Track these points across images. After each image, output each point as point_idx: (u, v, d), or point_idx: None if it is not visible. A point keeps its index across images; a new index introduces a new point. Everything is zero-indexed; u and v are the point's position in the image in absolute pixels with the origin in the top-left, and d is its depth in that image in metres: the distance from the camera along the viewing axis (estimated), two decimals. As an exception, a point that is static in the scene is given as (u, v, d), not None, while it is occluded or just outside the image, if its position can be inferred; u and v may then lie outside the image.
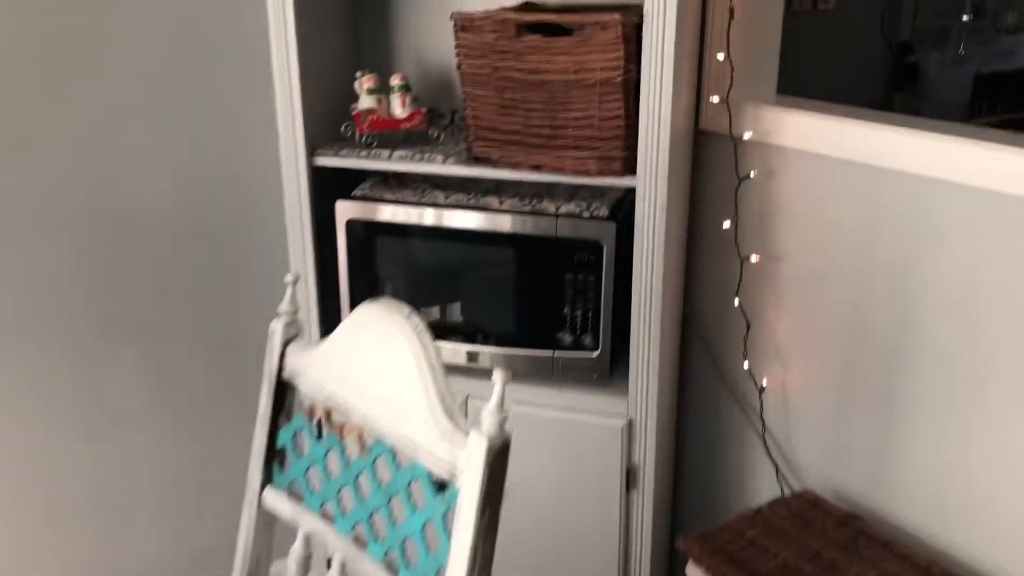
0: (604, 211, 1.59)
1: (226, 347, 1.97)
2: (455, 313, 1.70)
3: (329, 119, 1.73)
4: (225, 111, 1.85)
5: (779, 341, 1.70)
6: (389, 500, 0.99)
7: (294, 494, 1.14)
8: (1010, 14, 2.92)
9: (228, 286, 1.94)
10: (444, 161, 1.64)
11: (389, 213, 1.67)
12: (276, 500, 1.15)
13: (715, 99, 1.64)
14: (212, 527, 2.02)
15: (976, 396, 1.41)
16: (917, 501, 1.52)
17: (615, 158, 1.52)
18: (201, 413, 1.97)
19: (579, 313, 1.63)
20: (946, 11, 2.89)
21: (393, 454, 0.98)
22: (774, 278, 1.68)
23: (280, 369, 1.11)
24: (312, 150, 1.68)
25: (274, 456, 1.14)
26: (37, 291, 1.71)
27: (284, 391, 1.11)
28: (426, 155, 1.65)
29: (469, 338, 1.70)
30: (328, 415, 1.05)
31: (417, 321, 0.91)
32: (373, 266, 1.71)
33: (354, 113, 1.69)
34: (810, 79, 1.78)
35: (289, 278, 1.11)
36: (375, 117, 1.68)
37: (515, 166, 1.59)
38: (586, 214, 1.59)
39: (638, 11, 1.46)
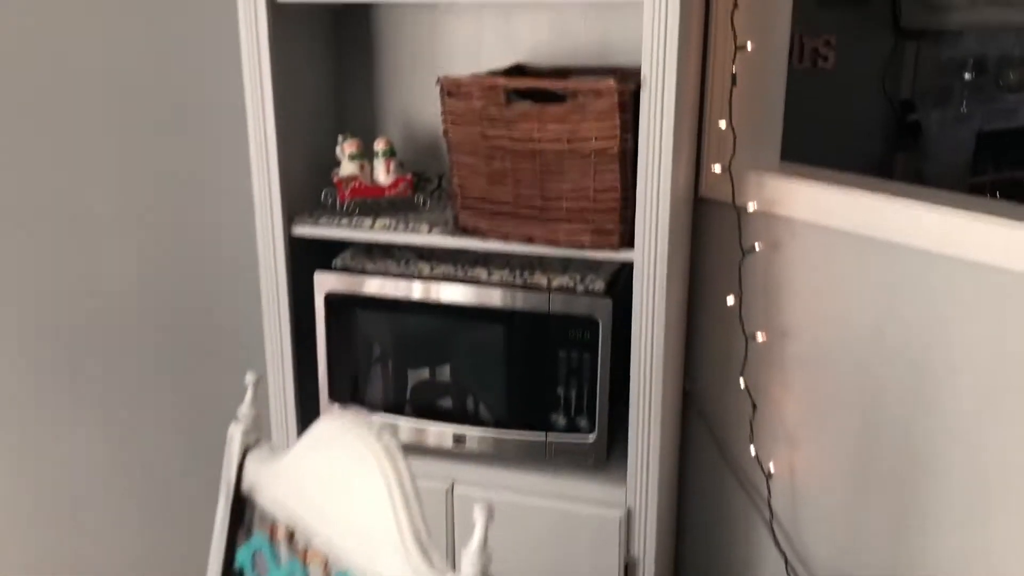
0: (600, 284, 1.49)
1: (196, 423, 1.85)
2: (441, 392, 1.59)
3: (308, 185, 1.63)
4: (197, 176, 1.76)
5: (787, 424, 1.59)
6: (357, 638, 0.86)
7: (254, 618, 1.01)
8: (1012, 72, 2.89)
9: (198, 362, 1.84)
10: (430, 231, 1.54)
11: (371, 286, 1.57)
12: (235, 623, 1.03)
13: (717, 168, 1.55)
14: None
15: (1002, 490, 1.30)
16: (940, 603, 1.40)
17: (611, 231, 1.43)
18: (173, 491, 1.85)
19: (573, 393, 1.52)
20: (948, 69, 2.85)
21: (362, 589, 0.85)
22: (781, 357, 1.58)
23: (239, 480, 0.99)
24: (290, 218, 1.58)
25: (232, 577, 1.02)
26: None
27: (243, 504, 1.00)
28: (411, 224, 1.56)
29: (456, 419, 1.59)
30: (291, 536, 0.93)
31: (389, 441, 0.80)
32: (353, 342, 1.61)
33: (335, 180, 1.60)
34: (811, 138, 1.71)
35: (249, 378, 0.99)
36: (357, 184, 1.59)
37: (505, 237, 1.50)
38: (580, 288, 1.49)
39: (635, 75, 1.37)
